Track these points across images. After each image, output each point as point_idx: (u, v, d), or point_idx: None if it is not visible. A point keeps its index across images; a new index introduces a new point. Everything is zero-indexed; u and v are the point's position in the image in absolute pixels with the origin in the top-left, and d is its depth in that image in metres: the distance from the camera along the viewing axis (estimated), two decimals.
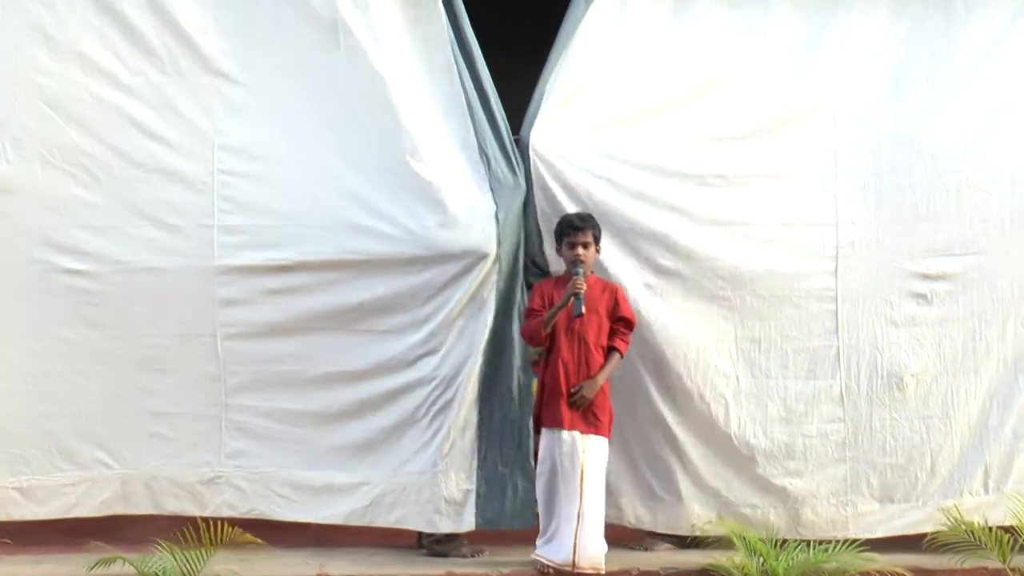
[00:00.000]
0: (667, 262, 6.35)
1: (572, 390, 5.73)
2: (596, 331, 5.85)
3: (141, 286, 6.24)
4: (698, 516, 6.36)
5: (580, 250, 5.76)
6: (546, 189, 6.31)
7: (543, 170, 6.31)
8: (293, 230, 6.26)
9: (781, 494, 6.37)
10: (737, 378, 6.38)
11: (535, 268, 6.36)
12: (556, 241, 5.86)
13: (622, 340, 5.93)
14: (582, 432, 5.79)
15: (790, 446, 6.40)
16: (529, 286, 6.27)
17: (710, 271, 6.38)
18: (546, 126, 6.27)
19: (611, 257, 6.28)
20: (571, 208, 6.21)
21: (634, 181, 6.36)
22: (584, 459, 5.72)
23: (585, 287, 5.63)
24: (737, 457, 6.40)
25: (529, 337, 5.85)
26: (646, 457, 6.48)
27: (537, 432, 5.84)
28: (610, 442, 5.95)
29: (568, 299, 5.69)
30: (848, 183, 6.43)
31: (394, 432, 6.25)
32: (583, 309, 5.58)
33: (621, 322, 5.95)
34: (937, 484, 6.44)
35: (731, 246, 6.42)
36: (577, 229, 5.80)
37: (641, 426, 6.46)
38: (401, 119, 6.16)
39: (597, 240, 5.88)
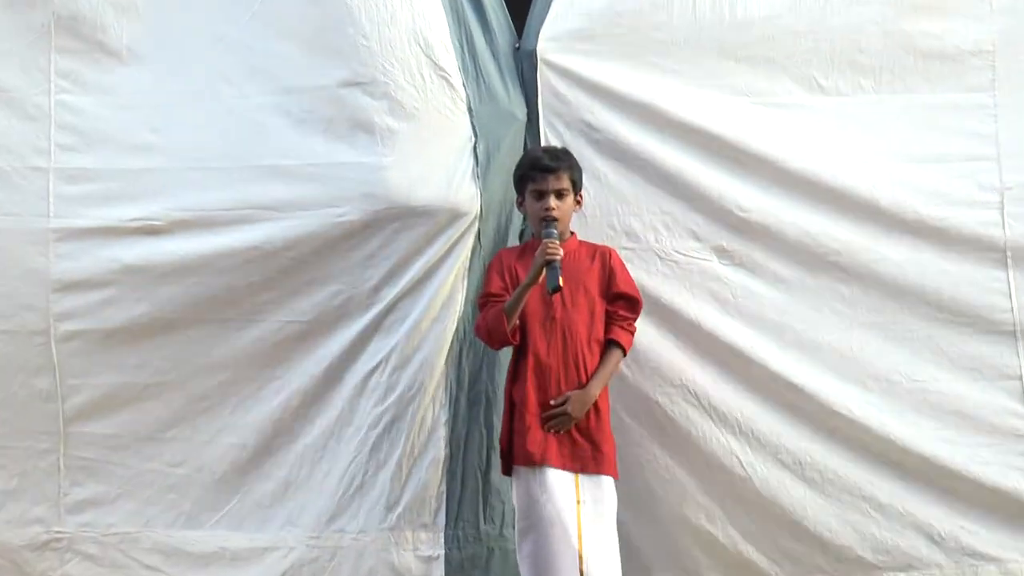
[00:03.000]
0: (748, 215, 4.93)
1: (552, 403, 4.39)
2: (587, 318, 4.49)
3: None
4: None
5: (552, 201, 4.44)
6: (559, 118, 5.02)
7: (555, 90, 5.02)
8: (166, 174, 5.08)
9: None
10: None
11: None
12: (516, 190, 4.61)
13: (624, 329, 4.52)
14: (576, 471, 4.40)
15: None
16: None
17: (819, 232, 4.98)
18: (562, 28, 5.02)
19: (659, 221, 4.95)
20: (594, 152, 4.95)
21: (698, 112, 4.99)
22: (583, 512, 4.35)
23: (562, 253, 4.34)
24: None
25: (487, 335, 4.50)
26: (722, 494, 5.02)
27: (507, 473, 4.56)
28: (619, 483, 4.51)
29: (538, 271, 4.34)
30: None
31: (318, 471, 5.06)
32: (560, 281, 4.31)
33: (621, 302, 4.54)
34: None
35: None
36: (546, 170, 4.47)
37: (686, 450, 4.98)
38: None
39: (577, 186, 4.56)
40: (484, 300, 4.52)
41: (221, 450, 5.11)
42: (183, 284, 5.02)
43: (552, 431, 4.35)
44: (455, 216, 4.81)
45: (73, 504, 5.19)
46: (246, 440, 5.11)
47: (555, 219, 4.42)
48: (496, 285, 4.51)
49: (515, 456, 4.45)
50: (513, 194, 4.71)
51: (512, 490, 4.52)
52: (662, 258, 4.91)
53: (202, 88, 5.06)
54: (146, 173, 5.07)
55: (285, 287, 4.98)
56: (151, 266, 5.02)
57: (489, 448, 4.94)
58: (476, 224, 4.83)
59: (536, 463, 4.36)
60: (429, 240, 4.84)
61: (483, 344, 4.75)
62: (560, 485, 4.35)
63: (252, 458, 5.06)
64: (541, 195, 4.45)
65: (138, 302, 5.06)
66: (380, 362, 4.93)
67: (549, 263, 4.32)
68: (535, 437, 4.40)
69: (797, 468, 4.83)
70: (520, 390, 4.45)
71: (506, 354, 4.67)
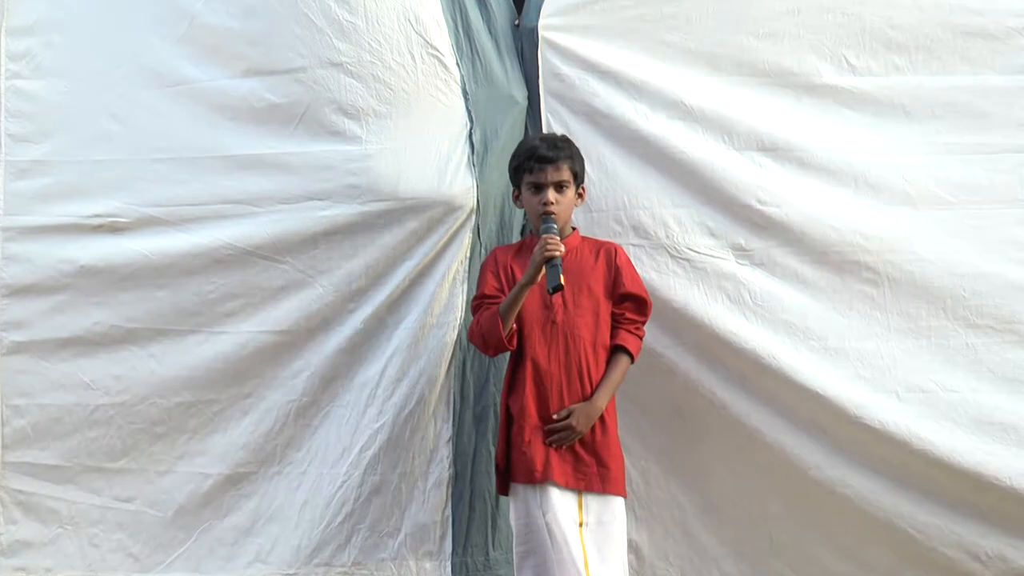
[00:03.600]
0: (772, 209, 4.61)
1: (555, 416, 4.14)
2: (591, 321, 4.25)
3: None
4: None
5: (551, 194, 4.18)
6: (562, 101, 4.72)
7: (558, 71, 4.71)
8: (128, 166, 4.81)
9: None
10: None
11: None
12: (512, 183, 4.36)
13: (632, 333, 4.28)
14: (580, 489, 4.17)
15: None
16: None
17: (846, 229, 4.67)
18: (566, 2, 4.74)
19: (683, 214, 4.64)
20: (600, 139, 4.64)
21: (714, 95, 4.65)
22: (586, 535, 4.12)
23: (563, 249, 4.09)
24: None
25: (482, 340, 4.24)
26: (736, 532, 4.70)
27: (504, 492, 4.32)
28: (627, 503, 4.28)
29: (537, 269, 4.09)
30: None
31: (295, 500, 4.75)
32: (562, 280, 4.04)
33: (629, 304, 4.29)
34: None
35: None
36: (544, 161, 4.19)
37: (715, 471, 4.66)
38: None
39: (579, 178, 4.30)
40: (478, 302, 4.25)
41: (178, 481, 4.80)
42: (146, 288, 4.74)
43: (554, 446, 4.08)
44: (449, 210, 4.51)
45: (7, 546, 4.92)
46: (207, 469, 4.80)
47: (555, 215, 4.12)
48: (490, 285, 4.24)
49: (513, 473, 4.20)
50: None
51: (510, 511, 4.25)
52: (674, 256, 4.58)
53: (168, 70, 4.78)
54: (106, 165, 4.79)
55: (259, 292, 4.68)
56: (111, 268, 4.72)
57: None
58: (473, 218, 4.52)
59: (537, 480, 4.10)
60: (421, 237, 4.53)
61: (499, 360, 4.49)
62: (563, 505, 4.07)
63: (214, 490, 4.75)
64: (539, 188, 4.16)
65: (95, 308, 4.78)
66: (372, 375, 4.64)
67: (549, 260, 4.05)
68: (536, 452, 4.14)
69: (828, 484, 4.51)
70: (518, 401, 4.19)
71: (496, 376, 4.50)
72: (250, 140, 4.68)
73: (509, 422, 4.22)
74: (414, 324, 4.60)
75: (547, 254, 4.02)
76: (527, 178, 4.18)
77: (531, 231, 4.29)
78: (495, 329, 4.11)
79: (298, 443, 4.70)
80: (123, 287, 4.73)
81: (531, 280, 4.09)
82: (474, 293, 4.42)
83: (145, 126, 4.77)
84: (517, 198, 4.27)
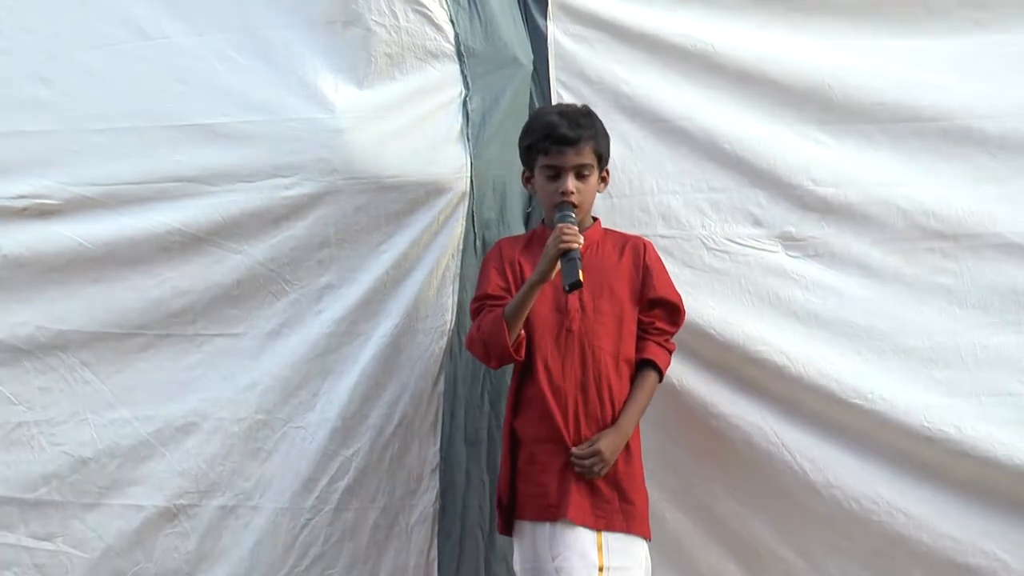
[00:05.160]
0: (825, 189, 4.18)
1: (578, 451, 3.81)
2: (613, 330, 3.94)
3: None
4: None
5: (571, 182, 3.83)
6: (575, 69, 4.34)
7: (571, 32, 4.33)
8: (60, 138, 4.39)
9: None
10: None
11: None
12: (523, 163, 4.00)
13: (662, 346, 3.97)
14: (599, 528, 3.83)
15: None
16: None
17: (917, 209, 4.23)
18: None
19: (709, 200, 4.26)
20: (622, 114, 4.25)
21: (759, 59, 4.23)
22: None
23: (582, 240, 3.75)
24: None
25: (483, 349, 3.91)
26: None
27: (506, 531, 3.99)
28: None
29: (550, 265, 3.77)
30: None
31: (245, 539, 4.28)
32: (581, 275, 3.70)
33: (659, 310, 3.97)
34: None
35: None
36: (564, 142, 3.82)
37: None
38: None
39: (603, 160, 3.96)
40: (479, 304, 3.93)
41: (106, 516, 4.34)
42: (79, 282, 4.30)
43: (576, 475, 3.80)
44: (436, 191, 4.10)
45: None
46: (141, 501, 4.32)
47: (575, 205, 3.80)
48: (494, 284, 3.89)
49: (519, 508, 3.87)
50: (517, 163, 3.98)
51: (514, 554, 3.94)
52: (710, 248, 4.16)
53: (108, 27, 4.38)
54: (34, 137, 4.37)
55: (211, 287, 4.23)
56: (38, 258, 4.28)
57: (493, 500, 4.23)
58: (466, 203, 4.10)
59: (550, 517, 3.78)
60: (402, 224, 4.12)
61: (480, 367, 4.11)
62: (579, 546, 3.73)
63: (147, 525, 4.28)
64: (556, 173, 3.81)
65: (18, 305, 4.34)
66: (342, 390, 4.24)
67: (565, 253, 3.68)
68: (550, 483, 3.80)
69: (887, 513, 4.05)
70: (526, 422, 3.85)
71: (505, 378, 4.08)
72: (206, 107, 4.26)
73: (514, 447, 3.91)
74: (394, 330, 4.18)
75: (563, 246, 3.68)
76: (542, 160, 3.84)
77: (542, 220, 3.98)
78: (499, 336, 3.77)
79: (247, 471, 4.26)
80: (52, 281, 4.30)
81: (543, 277, 3.74)
82: (471, 293, 4.12)
83: (81, 92, 4.36)
84: (528, 181, 3.94)
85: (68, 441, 4.31)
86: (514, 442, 3.93)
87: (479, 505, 4.28)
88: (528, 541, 3.86)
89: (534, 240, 3.95)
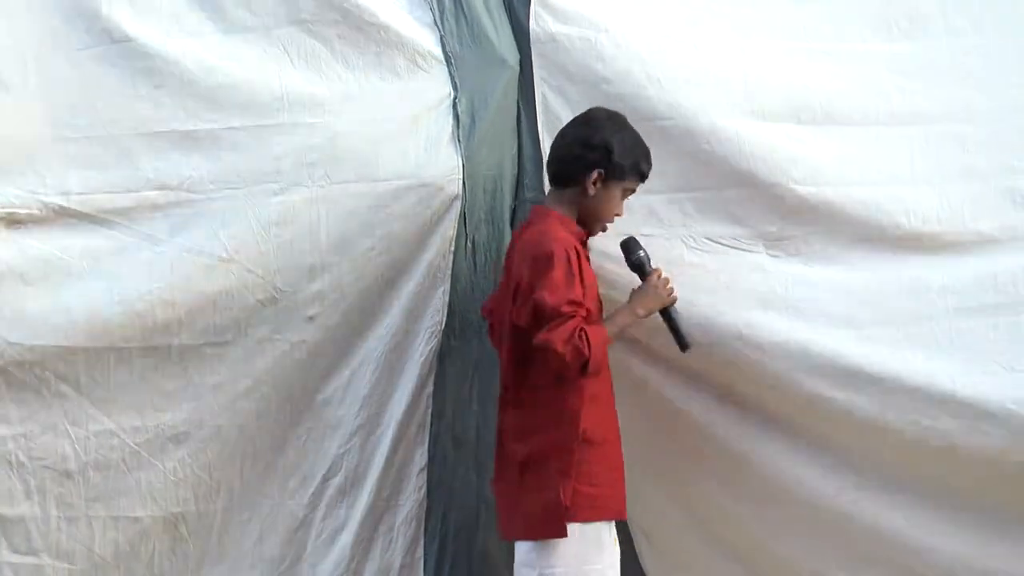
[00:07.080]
0: (806, 189, 4.20)
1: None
2: None
3: None
4: None
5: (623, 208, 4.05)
6: (558, 66, 4.28)
7: (552, 31, 4.26)
8: (27, 144, 4.18)
9: None
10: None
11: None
12: (609, 171, 3.90)
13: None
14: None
15: None
16: None
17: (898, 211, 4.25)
18: None
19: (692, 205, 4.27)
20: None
21: (741, 60, 4.25)
22: None
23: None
24: None
25: (575, 356, 3.68)
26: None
27: (560, 533, 3.81)
28: None
29: (656, 309, 3.96)
30: None
31: (247, 538, 4.26)
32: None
33: None
34: None
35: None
36: (644, 177, 3.95)
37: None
38: None
39: None
40: (572, 308, 3.68)
41: (96, 528, 4.19)
42: (49, 298, 4.05)
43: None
44: (428, 194, 4.04)
45: None
46: (135, 512, 4.19)
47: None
48: (579, 291, 3.72)
49: (590, 510, 3.74)
50: (510, 165, 4.04)
51: (551, 554, 3.75)
52: (691, 247, 4.14)
53: (85, 27, 4.13)
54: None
55: (198, 296, 4.07)
56: (11, 269, 3.97)
57: (480, 501, 4.17)
58: (457, 204, 4.03)
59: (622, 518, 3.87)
60: (393, 226, 4.04)
61: (470, 366, 4.08)
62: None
63: (142, 536, 4.19)
64: (624, 197, 3.91)
65: None
66: (332, 392, 4.15)
67: (667, 308, 3.87)
68: (623, 486, 3.86)
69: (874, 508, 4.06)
70: (604, 421, 3.80)
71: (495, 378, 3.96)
72: (187, 111, 4.09)
73: (585, 447, 3.77)
74: (386, 331, 4.14)
75: (666, 299, 3.86)
76: (631, 182, 3.87)
77: (577, 220, 3.87)
78: (605, 358, 3.75)
79: (245, 474, 4.19)
80: (22, 298, 4.05)
81: (647, 315, 3.87)
82: (462, 294, 4.12)
83: (50, 92, 4.12)
84: (597, 181, 3.83)
85: (48, 455, 4.13)
86: (584, 440, 3.82)
87: (465, 505, 4.24)
88: (576, 543, 3.79)
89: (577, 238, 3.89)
